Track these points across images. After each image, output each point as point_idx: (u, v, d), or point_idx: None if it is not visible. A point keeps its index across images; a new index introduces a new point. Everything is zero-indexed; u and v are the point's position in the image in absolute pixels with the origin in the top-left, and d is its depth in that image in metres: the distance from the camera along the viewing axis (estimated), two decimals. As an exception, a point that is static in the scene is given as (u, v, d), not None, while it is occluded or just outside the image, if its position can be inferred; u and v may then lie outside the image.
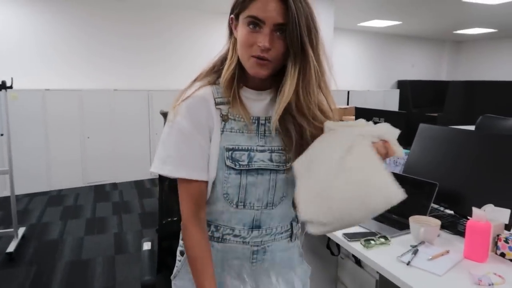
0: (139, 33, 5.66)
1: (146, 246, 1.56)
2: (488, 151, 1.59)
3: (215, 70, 0.98)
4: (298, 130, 0.94)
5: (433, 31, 7.82)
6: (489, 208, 1.40)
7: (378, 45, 8.49)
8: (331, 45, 5.15)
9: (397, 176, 1.05)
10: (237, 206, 0.97)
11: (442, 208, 1.76)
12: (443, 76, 9.22)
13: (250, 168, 0.94)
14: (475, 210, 1.35)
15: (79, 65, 5.39)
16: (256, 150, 0.95)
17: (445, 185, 1.64)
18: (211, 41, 6.01)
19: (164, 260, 1.49)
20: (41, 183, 4.85)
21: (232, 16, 0.92)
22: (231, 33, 0.96)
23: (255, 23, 0.85)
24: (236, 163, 0.94)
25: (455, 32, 7.78)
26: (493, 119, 3.24)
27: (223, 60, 0.97)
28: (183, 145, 0.93)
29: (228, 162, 0.93)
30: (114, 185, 5.18)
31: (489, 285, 1.14)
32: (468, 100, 7.18)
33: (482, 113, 4.04)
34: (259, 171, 0.95)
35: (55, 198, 4.62)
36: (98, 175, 5.21)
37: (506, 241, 1.32)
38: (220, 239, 1.00)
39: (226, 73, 0.93)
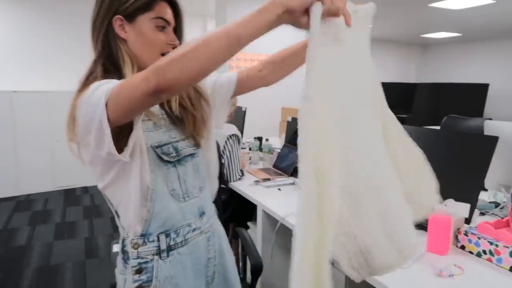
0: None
1: (116, 248, 1.54)
2: (451, 149, 1.67)
3: (102, 76, 0.89)
4: (186, 113, 1.02)
5: (401, 34, 8.05)
6: (450, 203, 1.47)
7: (349, 48, 8.66)
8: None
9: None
10: (184, 199, 1.01)
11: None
12: (412, 79, 9.50)
13: (180, 157, 1.00)
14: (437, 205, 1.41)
15: (48, 66, 5.25)
16: (174, 142, 1.00)
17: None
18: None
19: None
20: (8, 188, 4.69)
21: (119, 16, 0.90)
22: (107, 35, 0.91)
23: (163, 24, 0.93)
24: (169, 156, 0.97)
25: (422, 36, 8.04)
26: (457, 119, 3.37)
27: (105, 64, 0.91)
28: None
29: (165, 157, 0.96)
30: (85, 189, 5.07)
31: (450, 276, 1.19)
32: (435, 102, 7.44)
33: (448, 113, 4.20)
34: (186, 158, 1.02)
35: (23, 203, 4.47)
36: (69, 179, 5.09)
37: (466, 234, 1.38)
38: (183, 242, 1.01)
39: None
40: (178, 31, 0.99)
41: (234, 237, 2.41)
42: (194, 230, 1.03)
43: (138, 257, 0.95)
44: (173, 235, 0.98)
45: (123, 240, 0.98)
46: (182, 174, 1.00)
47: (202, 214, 1.06)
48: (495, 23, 6.47)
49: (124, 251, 0.98)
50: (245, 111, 3.62)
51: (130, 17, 0.91)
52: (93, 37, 0.94)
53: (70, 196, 4.78)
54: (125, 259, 0.97)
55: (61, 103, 4.94)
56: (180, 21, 0.99)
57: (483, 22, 6.34)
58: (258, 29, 0.66)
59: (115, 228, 3.74)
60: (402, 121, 4.27)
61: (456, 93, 7.45)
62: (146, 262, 0.95)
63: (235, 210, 2.42)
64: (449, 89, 7.58)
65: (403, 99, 8.89)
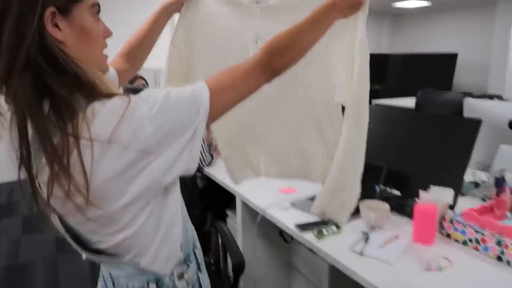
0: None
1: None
2: (432, 132, 1.62)
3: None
4: None
5: (372, 3, 7.90)
6: (434, 189, 1.43)
7: (321, 19, 8.51)
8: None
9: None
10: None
11: (388, 189, 1.78)
12: (384, 49, 9.49)
13: None
14: (422, 193, 1.37)
15: None
16: None
17: (391, 166, 1.65)
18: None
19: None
20: (-33, 180, 4.41)
21: (52, 9, 0.62)
22: (40, 38, 0.61)
23: (98, 11, 0.72)
24: None
25: (393, 5, 7.98)
26: (432, 93, 3.36)
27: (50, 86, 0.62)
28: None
29: None
30: (53, 176, 4.84)
31: (438, 269, 1.16)
32: (407, 72, 7.47)
33: (419, 84, 4.18)
34: None
35: (-15, 195, 4.24)
36: (34, 167, 4.83)
37: (451, 222, 1.35)
38: (199, 246, 0.93)
39: (105, 82, 0.68)
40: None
41: (213, 227, 2.34)
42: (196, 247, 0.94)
43: (187, 286, 0.85)
44: (196, 243, 0.91)
45: (157, 282, 0.80)
46: None
47: None
48: (465, -8, 6.47)
49: None
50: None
51: (65, 9, 0.65)
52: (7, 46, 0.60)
53: (37, 184, 4.55)
54: None
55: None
56: None
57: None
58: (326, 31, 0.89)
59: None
60: (376, 93, 4.25)
61: (427, 64, 7.50)
62: (193, 286, 0.87)
63: (213, 198, 2.33)
64: (421, 59, 7.62)
65: (375, 70, 8.87)
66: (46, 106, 0.63)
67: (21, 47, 0.59)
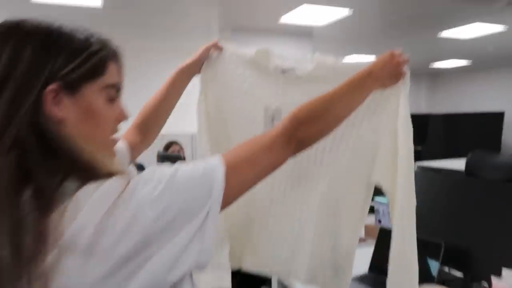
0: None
1: None
2: (498, 203, 1.41)
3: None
4: None
5: (409, 64, 7.90)
6: (508, 274, 1.20)
7: (356, 81, 8.56)
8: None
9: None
10: None
11: (446, 268, 1.54)
12: (422, 109, 9.31)
13: None
14: (494, 280, 1.15)
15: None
16: None
17: (450, 242, 1.43)
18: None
19: None
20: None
21: (56, 85, 0.55)
22: (34, 114, 0.54)
23: (115, 94, 0.64)
24: None
25: (431, 65, 7.93)
26: (484, 155, 3.12)
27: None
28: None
29: None
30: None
31: None
32: (450, 132, 7.20)
33: (463, 144, 3.95)
34: None
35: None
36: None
37: (535, 317, 1.10)
38: None
39: (106, 160, 0.58)
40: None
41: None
42: None
43: None
44: None
45: None
46: None
47: None
48: (507, 50, 6.32)
49: None
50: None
51: (71, 86, 0.58)
52: None
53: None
54: None
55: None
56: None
57: (494, 50, 6.20)
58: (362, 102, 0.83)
59: None
60: (418, 154, 4.02)
61: (471, 123, 7.21)
62: None
63: (247, 274, 2.14)
64: (463, 119, 7.35)
65: (416, 131, 8.60)
66: (28, 193, 0.52)
67: (13, 121, 0.52)
